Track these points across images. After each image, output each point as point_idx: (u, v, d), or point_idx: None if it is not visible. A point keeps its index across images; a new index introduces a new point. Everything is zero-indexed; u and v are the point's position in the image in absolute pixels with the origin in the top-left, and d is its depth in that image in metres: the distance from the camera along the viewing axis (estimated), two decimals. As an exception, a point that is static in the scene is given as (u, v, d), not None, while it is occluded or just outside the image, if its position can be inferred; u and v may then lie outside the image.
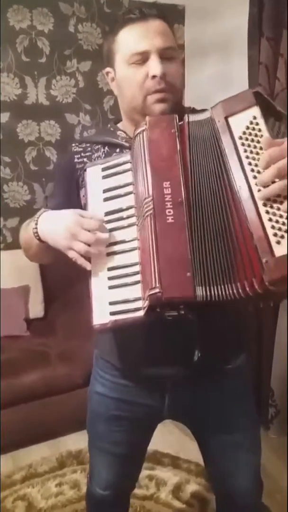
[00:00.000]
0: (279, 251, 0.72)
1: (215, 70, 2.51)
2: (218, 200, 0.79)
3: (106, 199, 0.89)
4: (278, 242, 0.72)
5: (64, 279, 2.51)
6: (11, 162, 2.58)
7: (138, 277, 0.81)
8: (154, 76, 0.89)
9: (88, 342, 2.14)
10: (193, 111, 1.01)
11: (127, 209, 0.87)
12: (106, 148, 1.01)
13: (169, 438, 2.03)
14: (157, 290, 0.74)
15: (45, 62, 2.53)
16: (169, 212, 0.78)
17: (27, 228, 0.98)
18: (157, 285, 0.74)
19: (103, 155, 1.00)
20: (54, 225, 0.88)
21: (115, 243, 0.86)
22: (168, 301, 0.74)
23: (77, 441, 2.06)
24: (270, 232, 0.73)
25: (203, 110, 0.99)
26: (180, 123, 0.86)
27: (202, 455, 1.14)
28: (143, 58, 0.90)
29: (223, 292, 0.75)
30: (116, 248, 0.85)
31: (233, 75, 2.31)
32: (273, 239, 0.72)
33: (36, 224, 0.92)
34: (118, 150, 0.99)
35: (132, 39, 0.90)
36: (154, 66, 0.89)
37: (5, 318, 2.29)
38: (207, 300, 0.75)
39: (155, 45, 0.89)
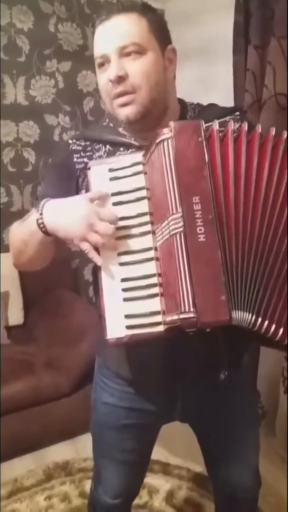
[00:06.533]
0: None
1: (197, 74, 2.52)
2: (254, 219, 0.78)
3: (115, 204, 0.83)
4: None
5: (42, 285, 2.44)
6: (-12, 163, 2.48)
7: (156, 290, 0.78)
8: (110, 81, 0.86)
9: (71, 349, 2.09)
10: (199, 106, 0.98)
11: (139, 215, 0.82)
12: (108, 147, 0.95)
13: (157, 444, 2.00)
14: (191, 315, 0.70)
15: (24, 61, 2.46)
16: (200, 230, 0.73)
17: (22, 225, 0.91)
18: (192, 309, 0.71)
19: (105, 155, 0.94)
20: (66, 214, 0.82)
21: (128, 252, 0.81)
22: (203, 326, 0.71)
23: (63, 451, 2.01)
24: None
25: (211, 105, 0.98)
26: (207, 124, 0.79)
27: (204, 453, 1.14)
28: (105, 61, 0.87)
29: (256, 322, 0.77)
30: (129, 257, 0.81)
31: (215, 80, 2.33)
32: None
33: (41, 214, 0.85)
34: (122, 149, 0.93)
35: (96, 42, 0.89)
36: (109, 69, 0.86)
37: (-16, 326, 2.19)
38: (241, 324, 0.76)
39: (113, 46, 0.85)
